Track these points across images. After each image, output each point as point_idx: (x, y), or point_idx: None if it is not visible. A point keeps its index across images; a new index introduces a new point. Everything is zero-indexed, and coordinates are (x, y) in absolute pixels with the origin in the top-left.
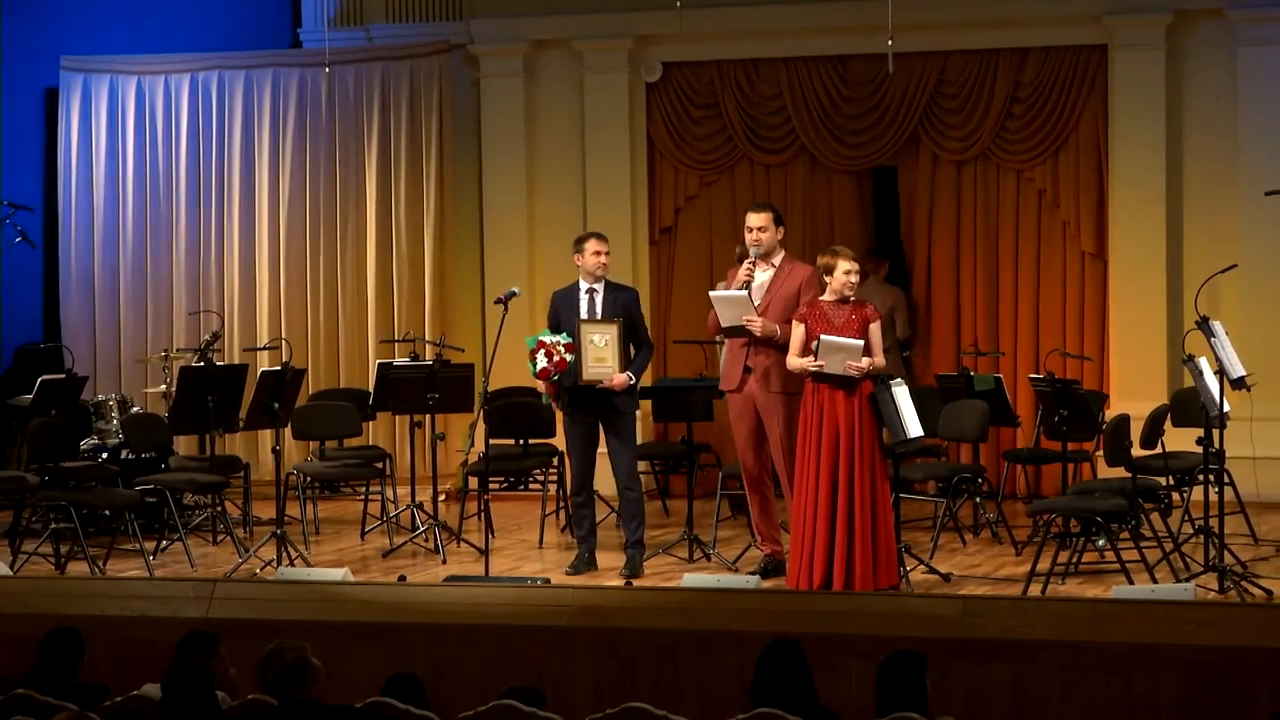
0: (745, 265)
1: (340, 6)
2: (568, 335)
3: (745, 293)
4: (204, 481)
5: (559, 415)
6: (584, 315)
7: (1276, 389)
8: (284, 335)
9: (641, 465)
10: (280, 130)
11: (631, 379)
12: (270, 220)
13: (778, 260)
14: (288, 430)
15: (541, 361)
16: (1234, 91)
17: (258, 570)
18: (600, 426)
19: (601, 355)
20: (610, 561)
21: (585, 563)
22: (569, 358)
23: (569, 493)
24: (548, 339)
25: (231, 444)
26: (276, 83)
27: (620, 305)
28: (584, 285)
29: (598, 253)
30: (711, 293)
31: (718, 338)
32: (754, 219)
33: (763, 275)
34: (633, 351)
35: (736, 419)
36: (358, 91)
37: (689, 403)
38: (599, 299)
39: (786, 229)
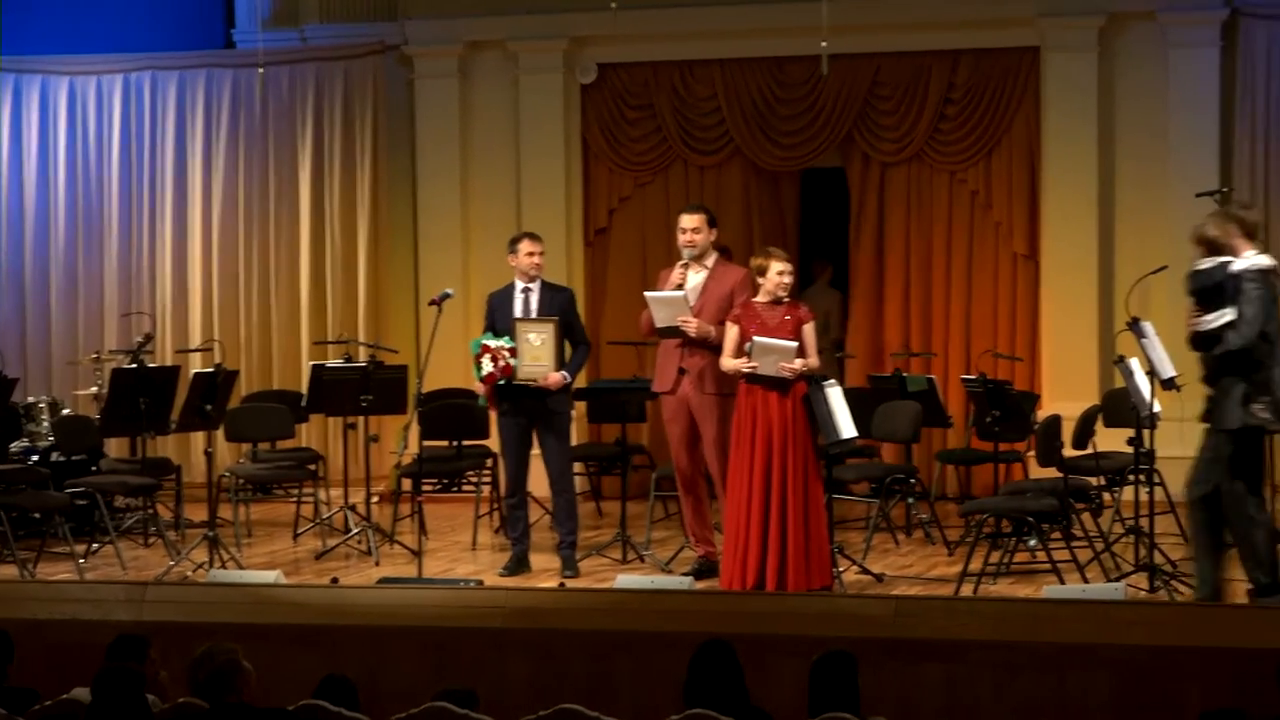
0: (678, 267)
1: (274, 7)
2: (509, 338)
3: (682, 294)
4: (135, 484)
5: (493, 417)
6: (519, 314)
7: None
8: (217, 337)
9: (575, 466)
10: (213, 131)
11: (567, 378)
12: (203, 222)
13: (710, 262)
14: (220, 432)
15: (487, 366)
16: (1165, 93)
17: (189, 573)
18: (534, 427)
19: (537, 354)
20: (543, 563)
21: (519, 564)
22: (513, 362)
23: (502, 494)
24: (492, 343)
25: (163, 446)
26: (210, 84)
27: (556, 305)
28: (519, 285)
29: (531, 253)
30: (647, 294)
31: (651, 340)
32: (687, 220)
33: (696, 277)
34: (569, 351)
35: (670, 420)
36: (292, 92)
37: (623, 404)
38: (534, 299)
39: (721, 230)
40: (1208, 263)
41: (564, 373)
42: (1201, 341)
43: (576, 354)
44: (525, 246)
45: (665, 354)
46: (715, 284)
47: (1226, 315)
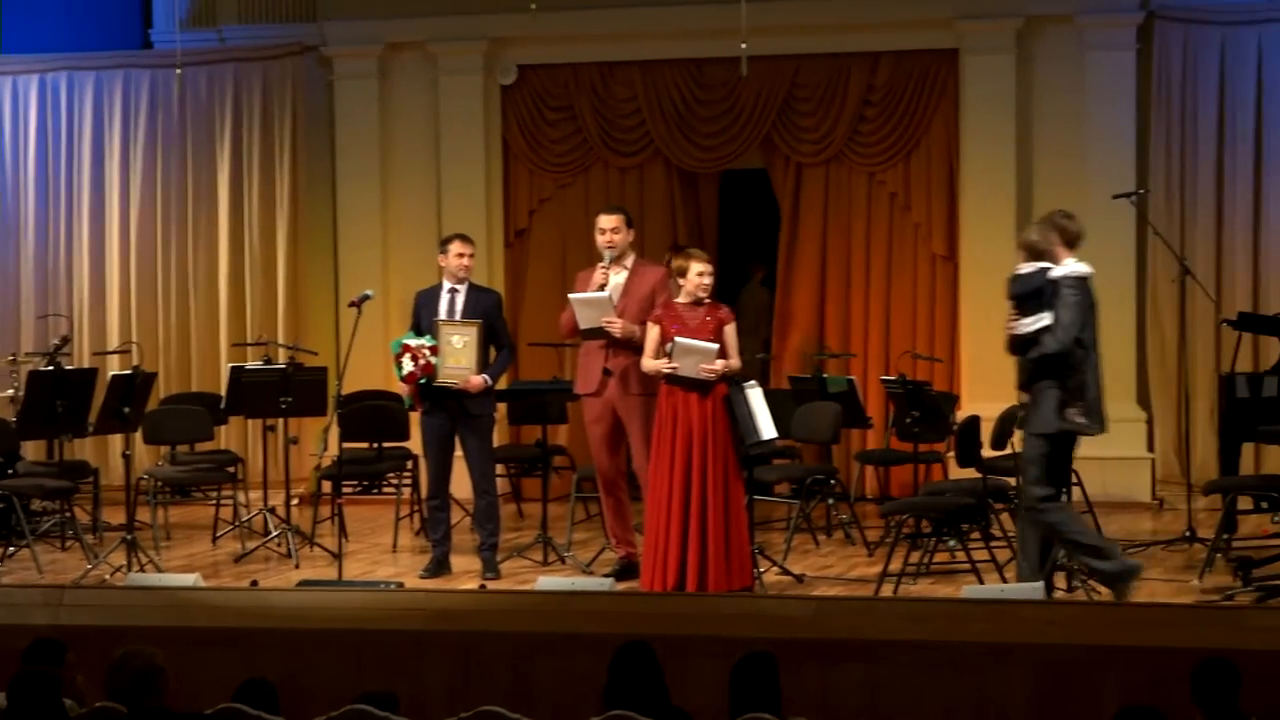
0: (599, 268)
1: (192, 7)
2: (430, 337)
3: (606, 294)
4: (52, 487)
5: (413, 418)
6: (443, 316)
7: (1123, 390)
8: (134, 339)
9: (497, 468)
10: (131, 132)
11: (488, 382)
12: (121, 223)
13: (630, 262)
14: (138, 435)
15: (408, 365)
16: (1082, 96)
17: (107, 576)
18: (456, 429)
19: (458, 357)
20: (464, 565)
21: (439, 566)
22: (435, 360)
23: (423, 496)
24: (412, 342)
25: (81, 449)
26: (127, 84)
27: (481, 307)
28: (446, 286)
29: (461, 254)
30: (571, 296)
31: (571, 341)
32: (605, 221)
33: (616, 278)
34: (493, 354)
35: (594, 422)
36: (210, 93)
37: (544, 405)
38: (460, 300)
39: (643, 232)
40: (1028, 268)
41: (485, 376)
42: (1018, 345)
43: (500, 358)
44: (456, 248)
45: (588, 355)
46: (636, 284)
47: (1043, 320)
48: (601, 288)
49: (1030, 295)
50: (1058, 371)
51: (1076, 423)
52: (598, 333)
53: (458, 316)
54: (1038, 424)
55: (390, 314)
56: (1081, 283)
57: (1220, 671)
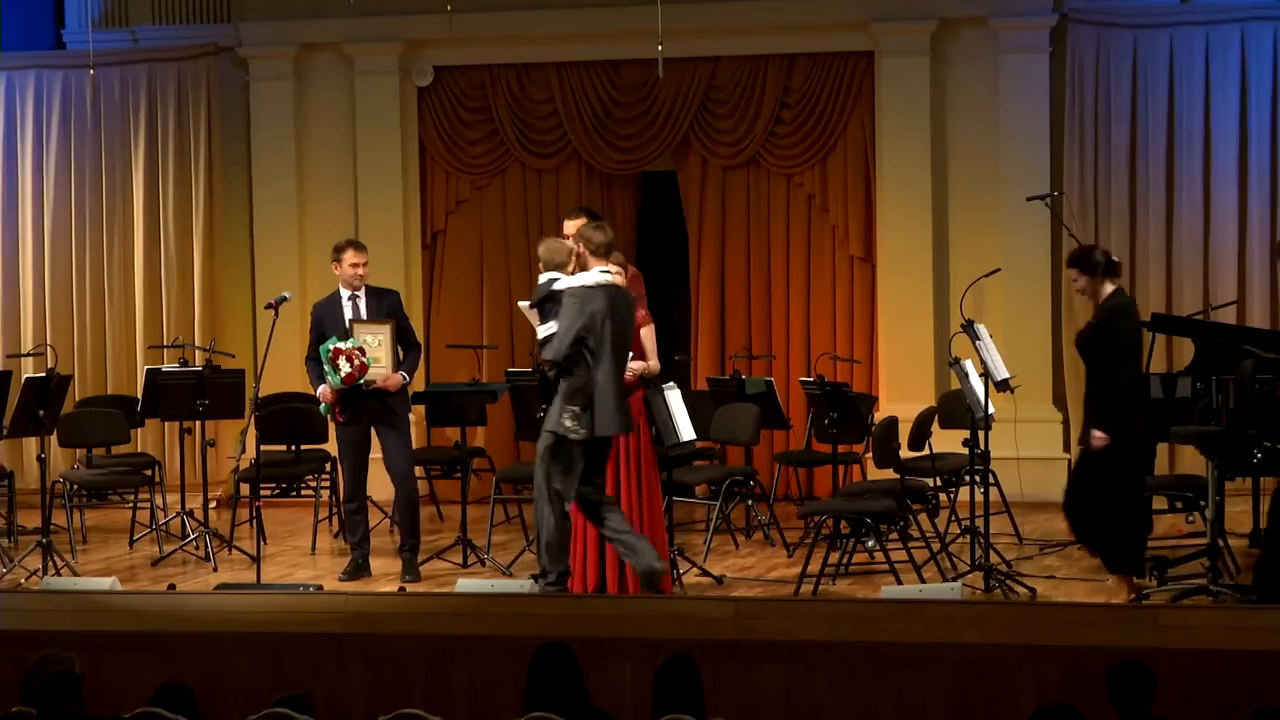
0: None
1: (105, 7)
2: (352, 340)
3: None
4: None
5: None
6: (350, 318)
7: (1039, 391)
8: (49, 341)
9: (415, 470)
10: (44, 133)
11: (406, 378)
12: (34, 225)
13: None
14: (53, 438)
15: (345, 367)
16: (996, 98)
17: (22, 580)
18: (374, 431)
19: (376, 355)
20: (384, 567)
21: (358, 569)
22: (368, 360)
23: (341, 498)
24: (343, 345)
25: None
26: (40, 84)
27: (386, 307)
28: (345, 293)
29: (355, 264)
30: (520, 303)
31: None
32: (569, 226)
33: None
34: (401, 353)
35: None
36: (124, 94)
37: (463, 406)
38: (362, 304)
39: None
40: (543, 278)
41: (402, 373)
42: (542, 350)
43: (410, 355)
44: (349, 257)
45: None
46: None
47: (550, 328)
48: None
49: (542, 303)
50: (564, 376)
51: (565, 425)
52: None
53: (363, 318)
54: (547, 421)
55: (307, 316)
56: (589, 292)
57: (1135, 674)
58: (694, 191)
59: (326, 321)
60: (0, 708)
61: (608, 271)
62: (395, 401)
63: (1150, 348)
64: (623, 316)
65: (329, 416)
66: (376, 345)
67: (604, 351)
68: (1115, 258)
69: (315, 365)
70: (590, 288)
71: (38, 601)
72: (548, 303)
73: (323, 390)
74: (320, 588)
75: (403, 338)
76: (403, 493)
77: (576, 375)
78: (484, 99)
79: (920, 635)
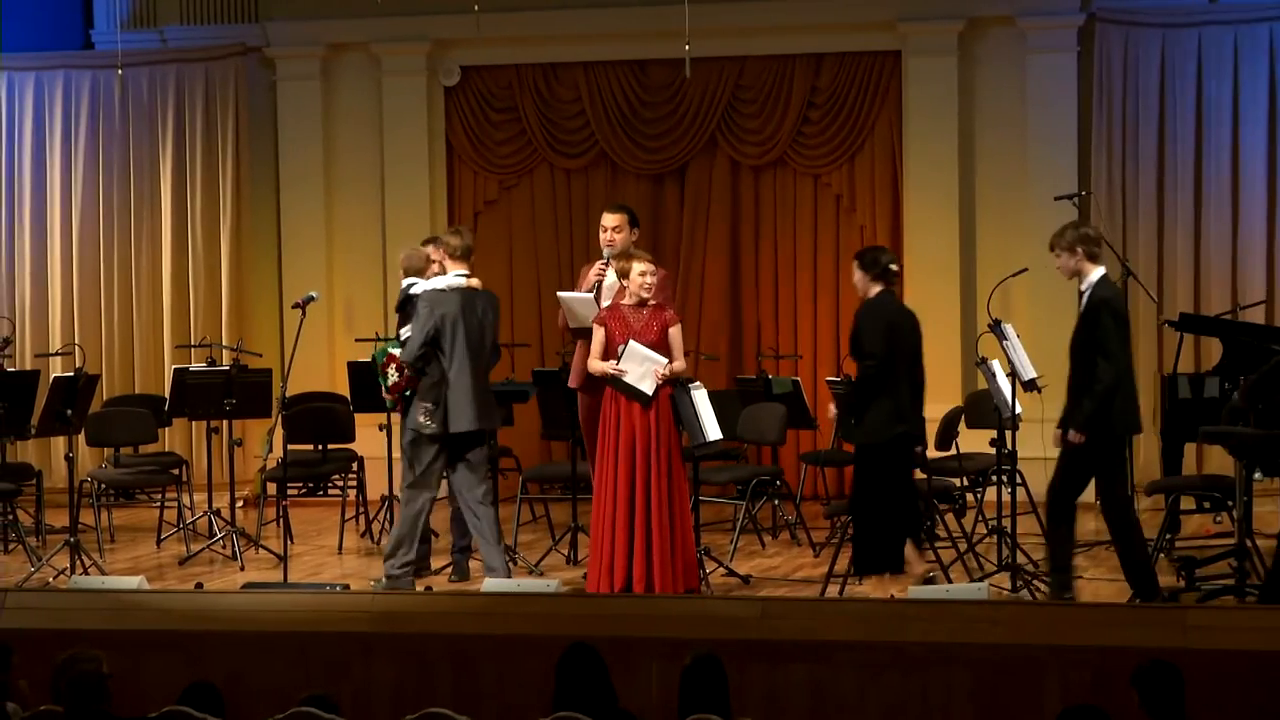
0: (598, 265)
1: (133, 8)
2: None
3: (590, 295)
4: None
5: (360, 420)
6: None
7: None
8: (77, 341)
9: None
10: (72, 133)
11: None
12: (63, 224)
13: None
14: (81, 437)
15: (393, 376)
16: (1024, 97)
17: (51, 579)
18: None
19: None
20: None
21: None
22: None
23: (368, 497)
24: (397, 351)
25: (24, 451)
26: (68, 85)
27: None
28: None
29: (433, 260)
30: (560, 294)
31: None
32: (608, 219)
33: (614, 276)
34: None
35: (587, 418)
36: (152, 94)
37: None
38: None
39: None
40: (404, 283)
41: None
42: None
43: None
44: (428, 250)
45: (579, 353)
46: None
47: (405, 332)
48: (595, 286)
49: (402, 307)
50: (420, 375)
51: (419, 421)
52: (587, 332)
53: None
54: (408, 418)
55: (334, 315)
56: (440, 295)
57: (1162, 675)
58: (721, 191)
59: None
60: (30, 706)
61: (464, 275)
62: None
63: (1178, 348)
64: (477, 317)
65: (390, 408)
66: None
67: (456, 351)
68: (894, 266)
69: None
70: (442, 291)
71: (66, 600)
72: (406, 306)
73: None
74: (347, 587)
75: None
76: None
77: (430, 374)
78: (511, 99)
79: (947, 635)
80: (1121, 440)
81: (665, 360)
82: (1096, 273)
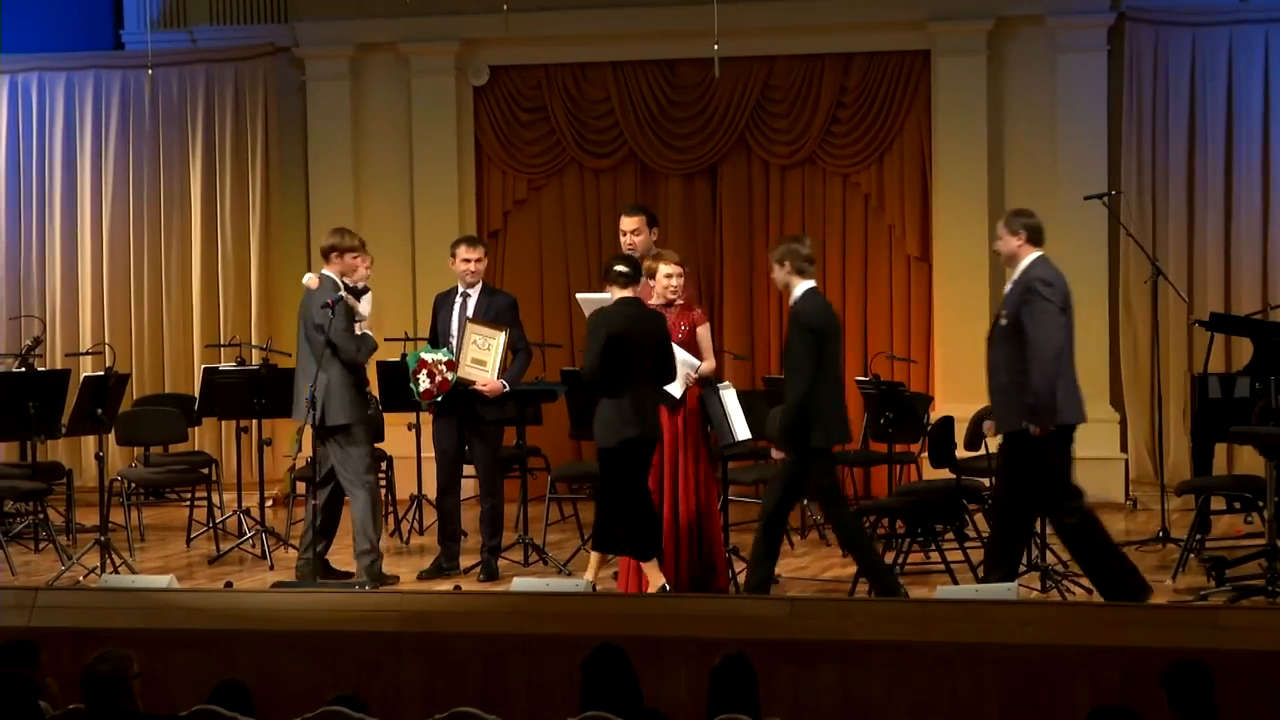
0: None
1: (163, 8)
2: (446, 350)
3: (609, 295)
4: (25, 488)
5: (389, 420)
6: (456, 320)
7: (1097, 391)
8: (107, 340)
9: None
10: (102, 133)
11: (505, 387)
12: (93, 224)
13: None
14: (111, 436)
15: (424, 383)
16: (1053, 96)
17: (81, 578)
18: (465, 434)
19: (481, 358)
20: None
21: (439, 568)
22: (450, 376)
23: (428, 496)
24: (429, 357)
25: (54, 450)
26: (98, 85)
27: (494, 309)
28: (459, 289)
29: (467, 259)
30: (578, 295)
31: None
32: (625, 222)
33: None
34: (509, 358)
35: None
36: (181, 94)
37: (523, 406)
38: (472, 301)
39: (616, 232)
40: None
41: (503, 382)
42: None
43: (517, 361)
44: (461, 252)
45: None
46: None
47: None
48: None
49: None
50: None
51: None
52: None
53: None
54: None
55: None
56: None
57: (1192, 675)
58: (749, 191)
59: (440, 314)
60: (60, 705)
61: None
62: (489, 409)
63: (1208, 347)
64: (304, 315)
65: (425, 408)
66: (485, 348)
67: (325, 353)
68: (622, 268)
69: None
70: (312, 292)
71: (96, 599)
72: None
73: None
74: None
75: (511, 342)
76: (486, 498)
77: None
78: (540, 98)
79: (976, 635)
80: (823, 453)
81: (698, 363)
82: (802, 287)
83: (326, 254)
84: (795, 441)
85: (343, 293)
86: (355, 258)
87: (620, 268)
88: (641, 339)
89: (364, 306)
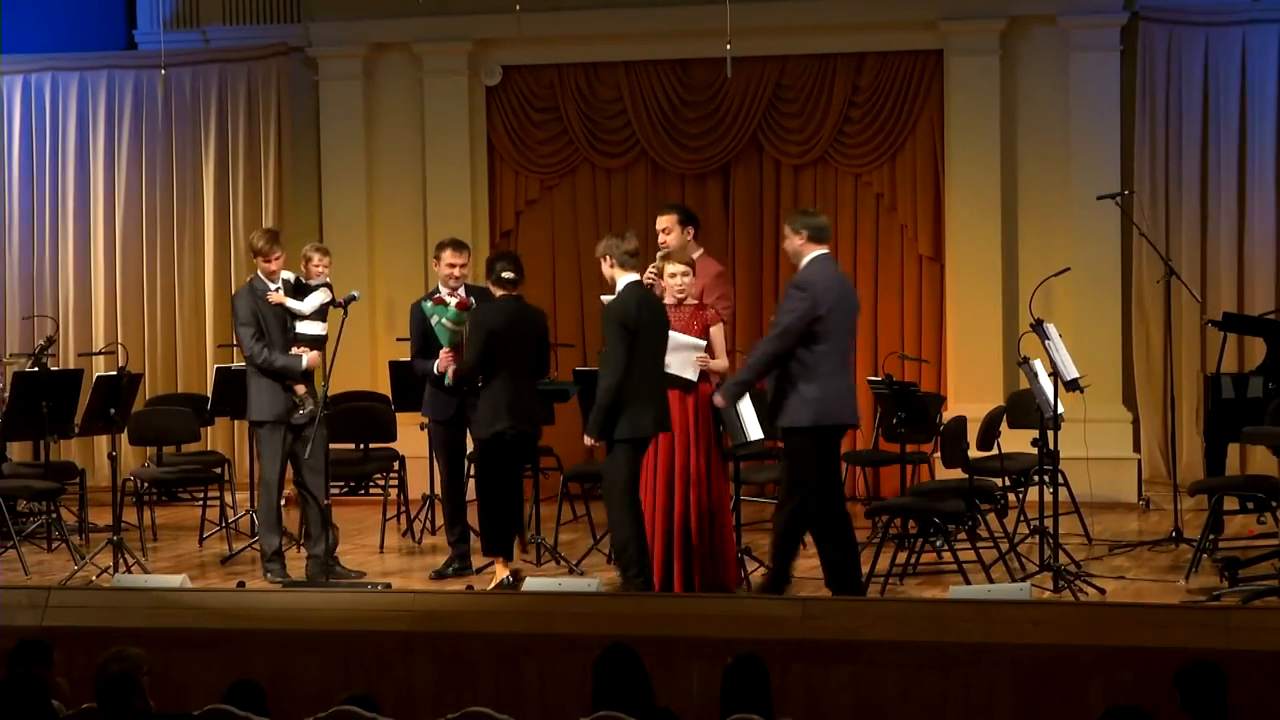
0: (651, 266)
1: (176, 8)
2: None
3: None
4: (39, 488)
5: (401, 420)
6: None
7: (1109, 391)
8: (120, 340)
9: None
10: (115, 133)
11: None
12: (106, 224)
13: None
14: (124, 436)
15: (452, 301)
16: (1066, 96)
17: (94, 578)
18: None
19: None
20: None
21: (456, 569)
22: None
23: (430, 496)
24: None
25: (67, 450)
26: (111, 85)
27: None
28: (444, 292)
29: (452, 264)
30: (603, 297)
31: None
32: (659, 221)
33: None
34: None
35: None
36: (194, 94)
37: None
38: None
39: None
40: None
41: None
42: None
43: None
44: (447, 256)
45: None
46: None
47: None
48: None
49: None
50: None
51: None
52: None
53: None
54: None
55: (376, 315)
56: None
57: (1204, 675)
58: (763, 190)
59: (429, 320)
60: (72, 705)
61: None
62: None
63: (1221, 347)
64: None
65: (447, 386)
66: (461, 323)
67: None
68: (508, 274)
69: (422, 362)
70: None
71: (109, 599)
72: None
73: (442, 356)
74: (389, 586)
75: None
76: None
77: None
78: (553, 98)
79: (988, 636)
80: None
81: (701, 342)
82: (624, 280)
83: (254, 256)
84: (605, 432)
85: (277, 290)
86: (267, 260)
87: (508, 274)
88: (521, 336)
89: (308, 305)
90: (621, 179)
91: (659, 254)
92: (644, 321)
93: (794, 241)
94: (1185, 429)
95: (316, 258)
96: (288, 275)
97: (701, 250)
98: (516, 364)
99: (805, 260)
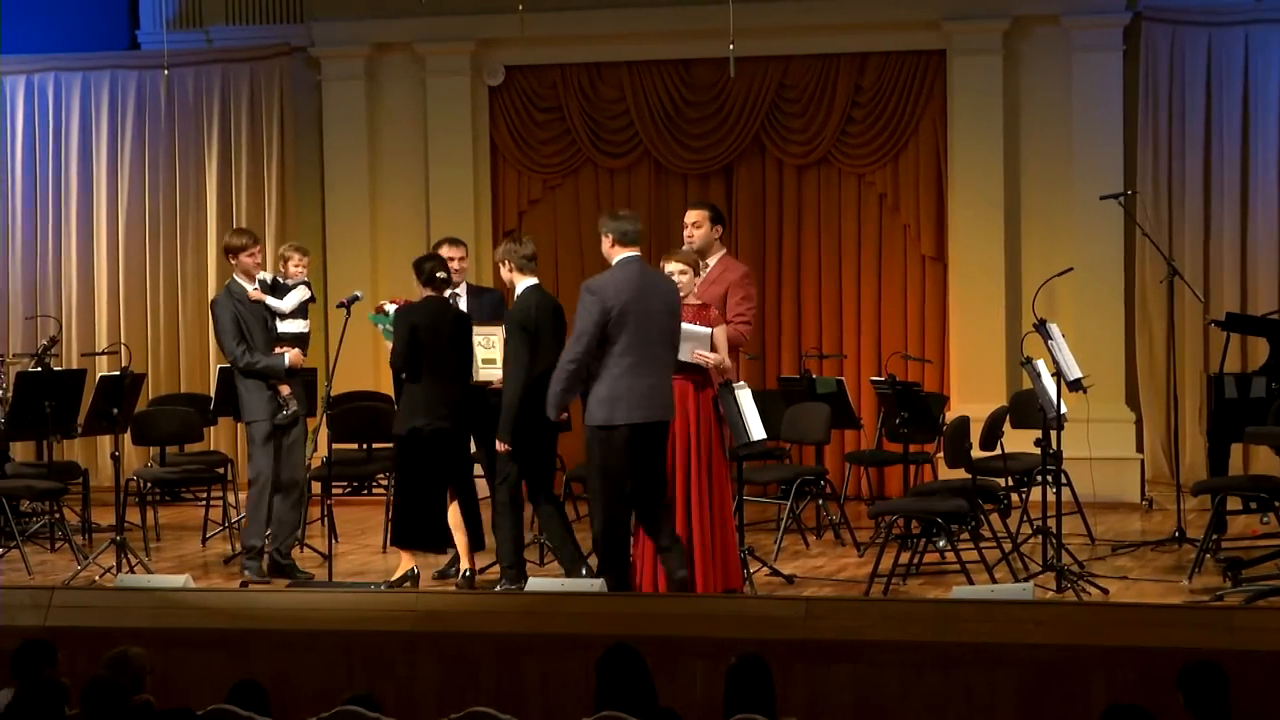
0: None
1: (179, 8)
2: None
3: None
4: (41, 488)
5: None
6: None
7: (1112, 391)
8: (123, 340)
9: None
10: (118, 133)
11: None
12: (109, 224)
13: (713, 260)
14: (127, 436)
15: (390, 307)
16: (1069, 96)
17: (97, 578)
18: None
19: (490, 357)
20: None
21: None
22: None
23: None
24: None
25: (70, 450)
26: (114, 85)
27: (486, 306)
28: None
29: (450, 259)
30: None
31: None
32: (688, 216)
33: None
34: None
35: None
36: (197, 94)
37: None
38: (461, 303)
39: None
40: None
41: None
42: None
43: None
44: (444, 251)
45: None
46: (711, 283)
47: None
48: None
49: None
50: None
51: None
52: None
53: None
54: None
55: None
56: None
57: (1207, 675)
58: (765, 190)
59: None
60: (76, 705)
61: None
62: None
63: (1224, 348)
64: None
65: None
66: (490, 346)
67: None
68: (441, 274)
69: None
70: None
71: (112, 599)
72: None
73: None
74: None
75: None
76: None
77: None
78: (556, 98)
79: (991, 636)
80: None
81: (707, 330)
82: (523, 284)
83: (227, 256)
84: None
85: (255, 289)
86: (248, 256)
87: (440, 275)
88: (443, 335)
89: (287, 303)
90: (624, 179)
91: (666, 254)
92: (543, 323)
93: (603, 244)
94: (1188, 429)
95: (296, 257)
96: (264, 276)
97: (725, 250)
98: (439, 362)
99: (614, 262)
